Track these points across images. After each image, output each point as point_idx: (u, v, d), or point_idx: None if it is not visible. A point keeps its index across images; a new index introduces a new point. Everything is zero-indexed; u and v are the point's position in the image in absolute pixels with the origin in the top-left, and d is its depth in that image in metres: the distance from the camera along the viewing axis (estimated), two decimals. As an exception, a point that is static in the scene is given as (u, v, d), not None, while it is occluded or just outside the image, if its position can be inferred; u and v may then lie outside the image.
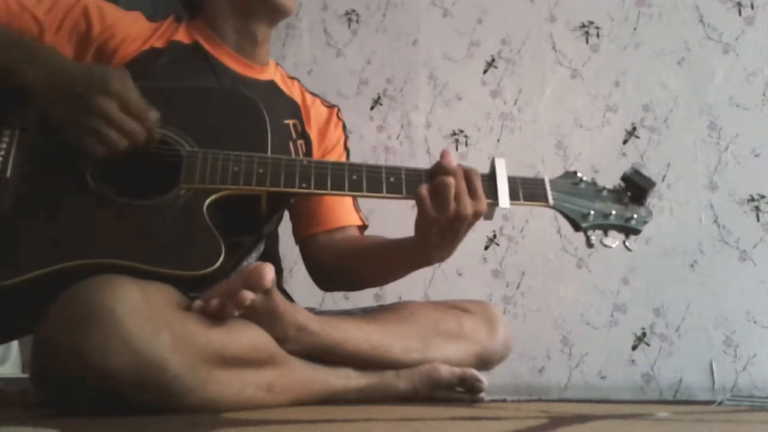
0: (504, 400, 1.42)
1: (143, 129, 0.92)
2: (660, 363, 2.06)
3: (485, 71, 2.43)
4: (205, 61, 1.15)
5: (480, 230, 2.30)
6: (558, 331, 2.17)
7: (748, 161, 2.11)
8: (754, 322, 2.01)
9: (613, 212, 1.03)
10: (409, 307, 1.10)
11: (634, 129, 2.23)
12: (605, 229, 1.04)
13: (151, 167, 0.95)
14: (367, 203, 1.36)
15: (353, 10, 2.62)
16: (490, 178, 1.01)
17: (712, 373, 2.01)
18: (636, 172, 1.05)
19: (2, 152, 0.94)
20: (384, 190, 0.98)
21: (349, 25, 2.62)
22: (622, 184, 1.06)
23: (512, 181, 1.02)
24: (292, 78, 1.30)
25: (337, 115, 1.31)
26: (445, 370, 1.03)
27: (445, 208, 0.96)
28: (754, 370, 1.99)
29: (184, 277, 0.87)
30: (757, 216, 2.07)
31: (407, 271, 1.13)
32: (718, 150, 2.14)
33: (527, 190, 1.02)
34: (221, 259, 0.89)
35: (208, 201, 0.93)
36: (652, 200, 2.15)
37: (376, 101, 2.53)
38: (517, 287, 2.25)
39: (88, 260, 0.86)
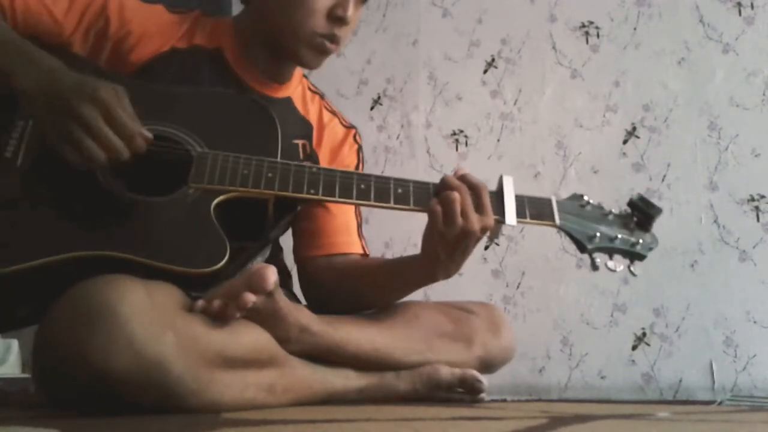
0: (504, 400, 1.42)
1: (126, 146, 0.86)
2: (660, 363, 2.06)
3: (485, 71, 2.43)
4: (223, 71, 1.12)
5: (480, 230, 2.30)
6: (558, 331, 2.17)
7: (748, 161, 2.11)
8: (754, 322, 2.01)
9: (619, 236, 1.02)
10: (414, 308, 1.09)
11: (634, 129, 2.23)
12: (610, 252, 1.03)
13: (160, 166, 0.95)
14: (370, 209, 1.35)
15: (353, 10, 2.62)
16: (497, 195, 1.00)
17: (712, 373, 2.01)
18: (642, 198, 1.05)
19: (14, 141, 0.93)
20: (392, 201, 0.98)
21: (349, 25, 2.62)
22: (628, 210, 1.06)
23: (519, 199, 1.01)
24: (315, 92, 1.25)
25: (355, 138, 1.28)
26: (445, 371, 1.03)
27: (452, 224, 0.93)
28: (754, 370, 1.99)
29: (188, 275, 0.87)
30: (757, 216, 2.07)
31: (410, 289, 1.11)
32: (718, 150, 2.14)
33: (534, 209, 1.01)
34: (226, 258, 0.89)
35: (215, 201, 0.93)
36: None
37: (376, 101, 2.53)
38: (517, 287, 2.25)
39: (91, 252, 0.86)
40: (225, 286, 0.84)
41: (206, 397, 0.78)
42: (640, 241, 1.03)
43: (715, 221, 2.10)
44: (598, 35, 2.32)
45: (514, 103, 2.38)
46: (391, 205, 0.98)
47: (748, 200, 2.09)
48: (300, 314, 0.93)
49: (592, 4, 2.34)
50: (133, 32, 1.06)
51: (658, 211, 1.04)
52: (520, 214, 0.99)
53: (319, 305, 1.22)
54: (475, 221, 0.94)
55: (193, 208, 0.93)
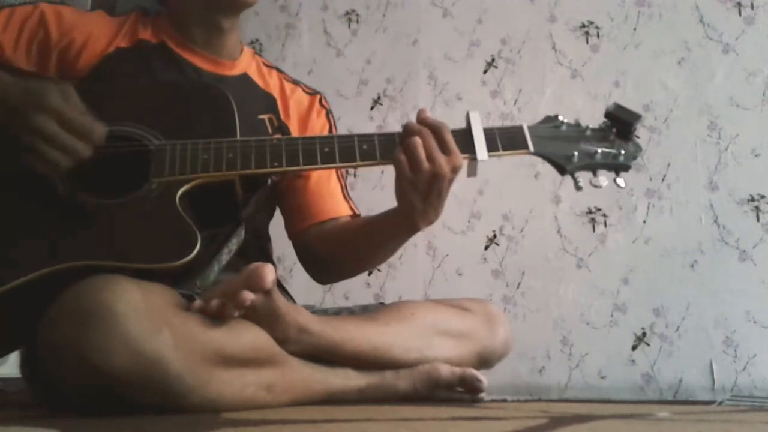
0: (504, 400, 1.42)
1: (86, 146, 0.88)
2: (660, 363, 2.06)
3: (485, 71, 2.43)
4: (173, 60, 1.14)
5: (480, 230, 2.31)
6: (558, 331, 2.17)
7: (748, 161, 2.11)
8: (754, 322, 2.01)
9: (599, 150, 0.99)
10: (410, 306, 1.10)
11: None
12: (593, 169, 1.01)
13: (121, 166, 0.93)
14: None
15: (353, 10, 2.62)
16: (466, 133, 0.98)
17: (712, 373, 2.01)
18: (618, 106, 1.01)
19: None
20: (358, 158, 0.96)
21: (349, 25, 2.62)
22: (607, 122, 1.03)
23: (489, 132, 0.98)
24: (271, 67, 1.27)
25: (321, 102, 1.28)
26: (445, 370, 1.03)
27: (419, 170, 0.93)
28: (754, 370, 1.99)
29: (162, 271, 0.86)
30: (757, 216, 2.07)
31: (397, 242, 1.11)
32: (718, 150, 2.14)
33: (505, 139, 0.99)
34: (197, 248, 0.88)
35: (180, 192, 0.92)
36: (652, 200, 2.17)
37: (376, 101, 2.53)
38: (517, 287, 2.25)
39: (65, 264, 0.85)
40: (223, 285, 0.84)
41: (205, 394, 0.78)
42: (622, 151, 1.00)
43: (715, 221, 2.10)
44: (598, 35, 2.32)
45: (514, 103, 2.38)
46: (358, 162, 0.96)
47: (748, 200, 2.09)
48: (298, 314, 0.92)
49: (592, 4, 2.34)
50: (76, 39, 1.07)
51: (637, 117, 1.01)
52: (491, 147, 0.97)
53: (321, 275, 1.23)
54: (443, 162, 0.93)
55: (158, 202, 0.92)
